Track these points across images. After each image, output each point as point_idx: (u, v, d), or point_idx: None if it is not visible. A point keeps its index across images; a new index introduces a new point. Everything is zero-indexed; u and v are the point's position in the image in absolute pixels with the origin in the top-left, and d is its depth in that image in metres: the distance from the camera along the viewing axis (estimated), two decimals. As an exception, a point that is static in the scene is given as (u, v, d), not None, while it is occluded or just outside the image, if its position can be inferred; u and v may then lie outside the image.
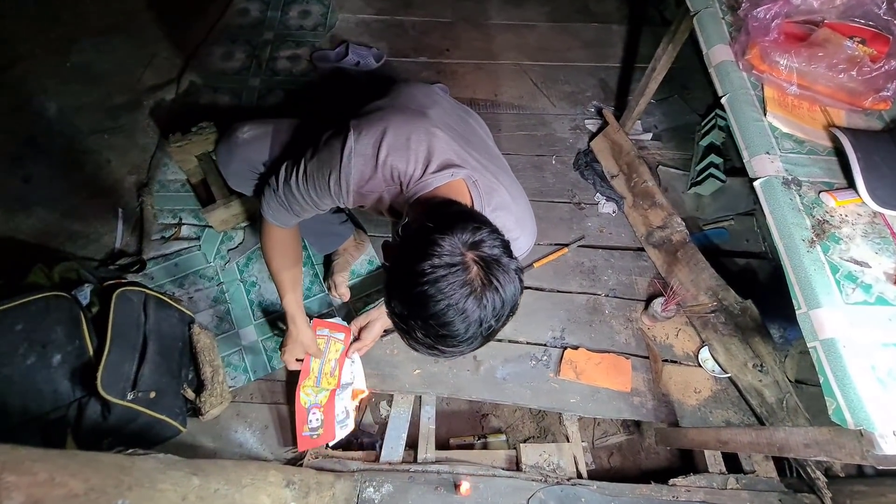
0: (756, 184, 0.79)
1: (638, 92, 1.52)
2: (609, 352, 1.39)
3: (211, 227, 1.50)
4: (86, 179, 1.57)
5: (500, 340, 1.40)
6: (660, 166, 1.74)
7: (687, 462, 1.38)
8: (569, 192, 1.68)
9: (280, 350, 1.19)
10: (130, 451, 0.47)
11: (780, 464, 1.27)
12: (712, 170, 1.63)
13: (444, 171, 0.82)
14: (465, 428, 1.45)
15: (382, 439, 1.27)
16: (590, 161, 1.71)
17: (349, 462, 1.20)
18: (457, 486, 1.17)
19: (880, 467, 0.66)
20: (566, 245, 1.55)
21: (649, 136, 1.79)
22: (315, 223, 1.31)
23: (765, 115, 0.85)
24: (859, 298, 0.68)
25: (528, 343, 1.41)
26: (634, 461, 1.44)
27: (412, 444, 1.29)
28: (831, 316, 0.66)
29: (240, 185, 1.12)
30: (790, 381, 1.29)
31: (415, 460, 1.24)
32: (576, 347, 1.39)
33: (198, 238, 1.52)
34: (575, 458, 1.28)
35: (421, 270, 0.61)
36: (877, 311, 0.67)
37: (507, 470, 1.24)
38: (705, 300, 1.40)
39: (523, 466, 1.24)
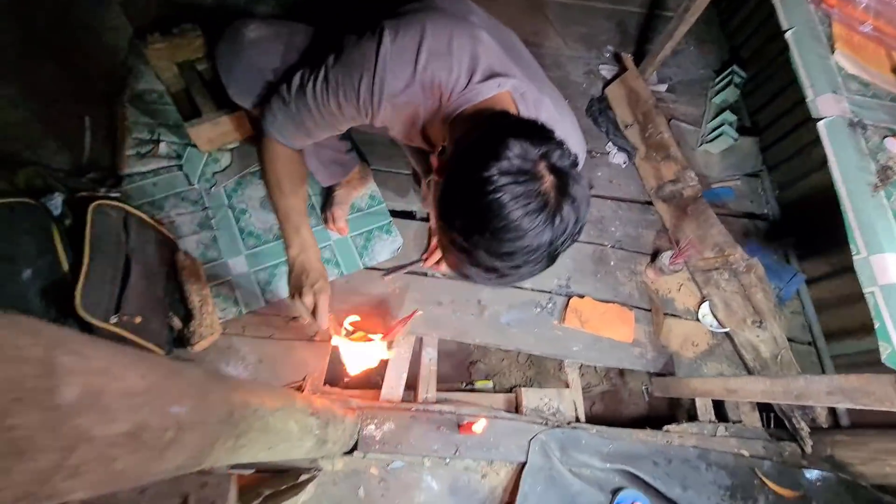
0: (820, 124, 0.75)
1: (666, 34, 1.44)
2: (613, 302, 1.38)
3: (194, 145, 1.35)
4: (46, 81, 1.36)
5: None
6: (672, 120, 1.69)
7: (673, 411, 1.42)
8: (580, 139, 1.61)
9: (291, 293, 0.91)
10: (172, 354, 0.40)
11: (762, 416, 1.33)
12: (725, 127, 1.60)
13: (490, 80, 0.73)
14: (453, 375, 1.43)
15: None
16: (604, 108, 1.64)
17: (349, 400, 1.16)
18: (460, 427, 1.15)
19: (915, 413, 0.67)
20: (576, 193, 1.50)
21: (665, 86, 1.73)
22: (320, 150, 1.20)
23: (832, 52, 0.80)
24: (921, 246, 0.66)
25: (533, 290, 1.38)
26: (616, 409, 1.47)
27: (411, 386, 1.25)
28: (894, 261, 0.64)
29: (243, 94, 0.98)
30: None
31: (415, 400, 1.21)
32: (582, 296, 1.37)
33: (178, 157, 1.36)
34: (574, 403, 1.28)
35: (489, 177, 0.54)
36: (937, 259, 0.66)
37: (508, 412, 1.23)
38: (711, 256, 1.40)
39: (524, 409, 1.24)
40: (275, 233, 1.32)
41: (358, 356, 1.09)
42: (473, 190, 0.55)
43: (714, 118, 1.66)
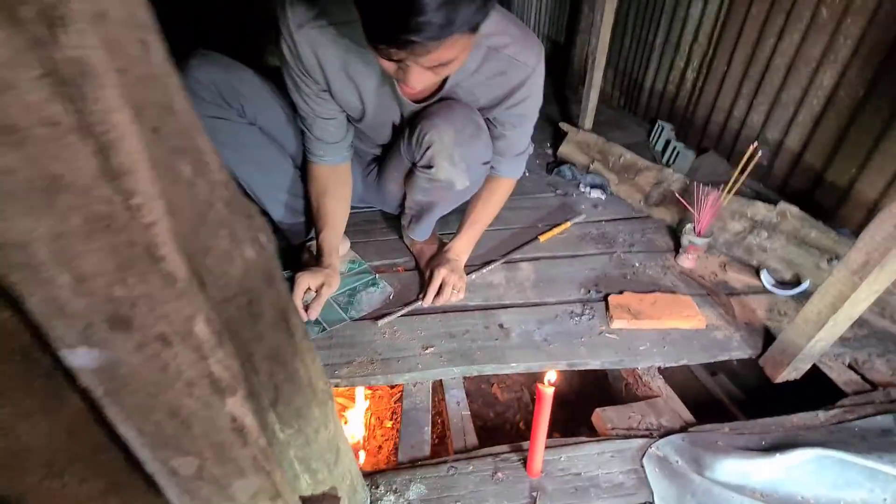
0: None
1: (587, 86, 1.64)
2: (658, 291, 1.12)
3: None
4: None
5: (523, 305, 1.11)
6: (629, 164, 1.76)
7: (798, 398, 0.98)
8: (551, 188, 1.61)
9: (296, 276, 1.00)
10: None
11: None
12: (678, 149, 1.67)
13: None
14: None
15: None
16: (562, 161, 1.71)
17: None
18: (527, 464, 0.73)
19: None
20: (567, 220, 1.40)
21: (608, 145, 1.86)
22: (289, 197, 1.15)
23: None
24: None
25: (558, 303, 1.12)
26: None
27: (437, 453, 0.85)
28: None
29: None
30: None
31: (450, 453, 0.80)
32: (620, 292, 1.12)
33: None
34: (678, 413, 0.88)
35: None
36: None
37: (590, 437, 0.82)
38: (736, 227, 1.25)
39: (611, 433, 0.83)
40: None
41: None
42: None
43: (664, 154, 1.75)
